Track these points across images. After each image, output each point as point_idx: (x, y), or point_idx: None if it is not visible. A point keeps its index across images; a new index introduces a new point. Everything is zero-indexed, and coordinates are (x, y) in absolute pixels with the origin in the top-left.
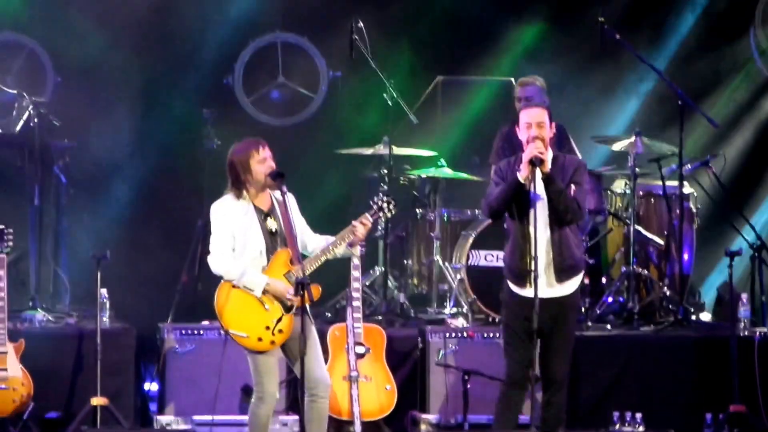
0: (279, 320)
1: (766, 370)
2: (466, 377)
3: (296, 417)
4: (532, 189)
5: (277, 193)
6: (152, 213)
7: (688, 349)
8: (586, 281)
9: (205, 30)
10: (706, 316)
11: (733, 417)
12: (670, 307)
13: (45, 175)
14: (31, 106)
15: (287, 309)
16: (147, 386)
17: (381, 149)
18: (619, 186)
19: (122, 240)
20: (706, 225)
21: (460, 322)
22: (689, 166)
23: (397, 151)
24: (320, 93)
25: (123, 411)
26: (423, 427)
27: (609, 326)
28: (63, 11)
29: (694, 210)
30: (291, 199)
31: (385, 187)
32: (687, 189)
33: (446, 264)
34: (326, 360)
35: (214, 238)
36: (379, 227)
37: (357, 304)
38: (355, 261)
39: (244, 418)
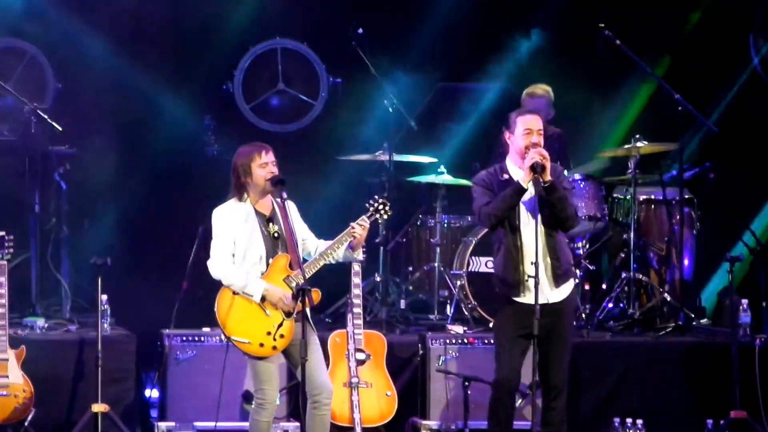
0: (280, 325)
1: (766, 376)
2: (467, 383)
3: (297, 424)
4: (526, 196)
5: (278, 199)
6: (153, 219)
7: (688, 355)
8: (587, 287)
9: (205, 36)
10: (706, 322)
11: (734, 423)
12: (671, 313)
13: (45, 181)
14: (31, 113)
15: (287, 314)
16: (148, 393)
17: (381, 156)
18: (619, 192)
19: (123, 247)
20: (706, 230)
21: (460, 328)
22: (689, 171)
23: (398, 157)
24: (320, 99)
25: (124, 418)
26: None
27: (609, 332)
28: (64, 18)
29: (694, 215)
30: (291, 206)
31: (386, 194)
32: (687, 194)
33: (447, 270)
34: (327, 366)
35: (215, 242)
36: (380, 233)
37: (357, 310)
38: (356, 267)
39: (245, 424)
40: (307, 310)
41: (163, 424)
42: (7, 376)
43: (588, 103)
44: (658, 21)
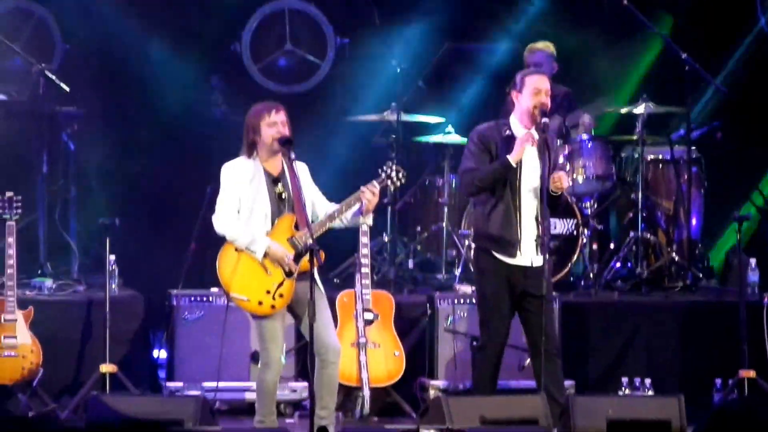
0: (280, 285)
1: None
2: (475, 343)
3: (305, 384)
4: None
5: (286, 159)
6: (160, 180)
7: (696, 315)
8: (594, 247)
9: None
10: (714, 282)
11: (742, 382)
12: (679, 272)
13: (53, 142)
14: (39, 74)
15: (288, 274)
16: (156, 353)
17: (389, 116)
18: (627, 152)
19: (131, 207)
20: (713, 190)
21: (468, 288)
22: (697, 131)
23: (405, 117)
24: (328, 60)
25: (132, 378)
26: (431, 392)
27: (617, 292)
28: None
29: (701, 175)
30: (302, 167)
31: (394, 154)
32: (695, 154)
33: (455, 230)
34: (335, 326)
35: (221, 198)
36: (388, 194)
37: (365, 270)
38: (364, 227)
39: (253, 384)
40: (315, 270)
41: (171, 384)
42: (15, 337)
43: (596, 62)
44: None
